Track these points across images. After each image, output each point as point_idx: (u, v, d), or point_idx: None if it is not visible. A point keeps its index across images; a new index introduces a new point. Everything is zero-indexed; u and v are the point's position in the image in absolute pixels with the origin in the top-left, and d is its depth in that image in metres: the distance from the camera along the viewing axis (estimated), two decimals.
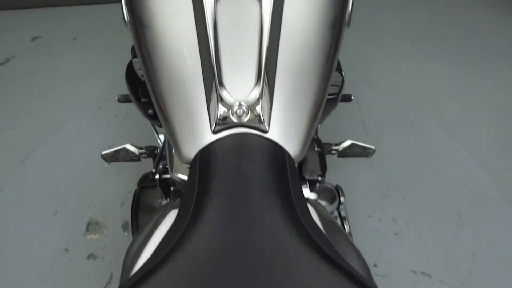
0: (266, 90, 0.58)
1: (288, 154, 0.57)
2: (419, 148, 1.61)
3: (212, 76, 0.58)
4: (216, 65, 0.57)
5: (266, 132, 0.56)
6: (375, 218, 1.38)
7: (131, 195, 1.43)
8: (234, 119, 0.55)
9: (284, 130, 0.58)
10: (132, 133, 1.64)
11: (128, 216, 0.92)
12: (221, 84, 0.57)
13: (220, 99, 0.56)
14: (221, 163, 0.53)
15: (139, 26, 0.66)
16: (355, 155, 1.07)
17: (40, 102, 1.79)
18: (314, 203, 0.67)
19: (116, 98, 1.13)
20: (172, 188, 0.87)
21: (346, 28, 0.74)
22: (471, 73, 1.99)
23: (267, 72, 0.58)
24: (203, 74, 0.59)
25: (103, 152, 1.12)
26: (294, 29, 0.61)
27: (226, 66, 0.59)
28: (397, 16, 2.38)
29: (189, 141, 0.59)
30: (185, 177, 0.73)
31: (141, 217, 0.93)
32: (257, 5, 0.61)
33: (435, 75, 1.98)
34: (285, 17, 0.61)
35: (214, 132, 0.56)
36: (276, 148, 0.57)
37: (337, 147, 1.01)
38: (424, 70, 2.00)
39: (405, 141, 1.64)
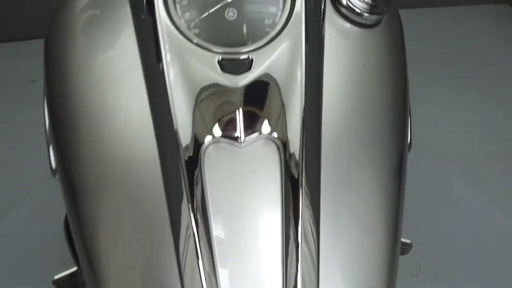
0: None
1: None
2: (449, 212, 1.36)
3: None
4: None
5: None
6: None
7: None
8: None
9: None
10: None
11: None
12: None
13: None
14: None
15: (71, 183, 0.45)
16: None
17: None
18: None
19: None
20: None
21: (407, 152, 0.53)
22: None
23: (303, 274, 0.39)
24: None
25: (56, 277, 0.85)
26: (340, 187, 0.43)
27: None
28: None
29: None
30: None
31: None
32: (274, 153, 0.41)
33: (458, 113, 1.72)
34: (326, 173, 0.41)
35: None
36: None
37: None
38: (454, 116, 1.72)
39: (432, 202, 1.39)
